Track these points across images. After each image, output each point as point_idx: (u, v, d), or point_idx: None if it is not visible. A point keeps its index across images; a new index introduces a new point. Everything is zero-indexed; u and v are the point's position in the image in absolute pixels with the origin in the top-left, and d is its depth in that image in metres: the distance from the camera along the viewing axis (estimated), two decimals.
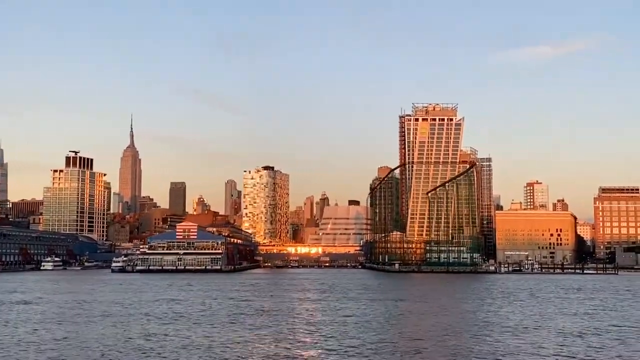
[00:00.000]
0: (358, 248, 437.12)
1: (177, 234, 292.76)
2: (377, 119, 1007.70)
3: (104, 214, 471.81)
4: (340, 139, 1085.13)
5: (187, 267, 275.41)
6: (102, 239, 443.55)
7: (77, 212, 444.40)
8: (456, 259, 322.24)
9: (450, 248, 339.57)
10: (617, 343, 64.26)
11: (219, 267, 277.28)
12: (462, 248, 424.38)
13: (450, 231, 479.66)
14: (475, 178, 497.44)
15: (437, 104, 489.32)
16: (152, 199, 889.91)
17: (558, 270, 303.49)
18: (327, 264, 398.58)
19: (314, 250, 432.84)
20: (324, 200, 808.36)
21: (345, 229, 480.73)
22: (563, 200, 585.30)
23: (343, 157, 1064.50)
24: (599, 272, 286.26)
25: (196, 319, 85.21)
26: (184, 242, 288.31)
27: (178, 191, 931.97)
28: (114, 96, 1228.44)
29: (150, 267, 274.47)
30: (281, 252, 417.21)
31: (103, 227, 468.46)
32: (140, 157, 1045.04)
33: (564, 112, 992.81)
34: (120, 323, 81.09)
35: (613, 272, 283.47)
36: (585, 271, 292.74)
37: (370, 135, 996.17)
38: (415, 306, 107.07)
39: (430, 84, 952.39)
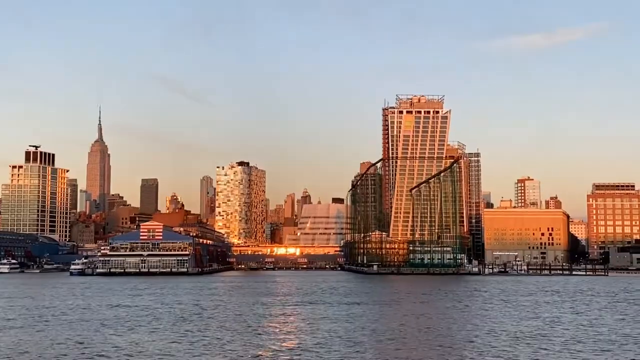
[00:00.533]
0: (338, 249, 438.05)
1: (141, 234, 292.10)
2: (361, 111, 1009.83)
3: (66, 213, 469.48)
4: (322, 133, 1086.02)
5: (151, 270, 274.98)
6: (65, 240, 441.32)
7: (38, 211, 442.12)
8: (440, 260, 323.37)
9: (433, 248, 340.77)
10: (531, 351, 64.41)
11: (185, 270, 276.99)
12: (447, 248, 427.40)
13: (436, 230, 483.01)
14: (464, 174, 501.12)
15: (423, 96, 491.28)
16: (121, 197, 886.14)
17: (546, 272, 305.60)
18: (305, 266, 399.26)
19: (291, 251, 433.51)
20: (306, 198, 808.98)
21: (325, 228, 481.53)
22: (556, 198, 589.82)
23: (326, 152, 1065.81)
24: (588, 273, 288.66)
25: (128, 325, 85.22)
26: (148, 242, 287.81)
27: (150, 188, 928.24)
28: (81, 87, 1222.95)
29: (112, 270, 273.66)
30: (256, 253, 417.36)
31: (66, 227, 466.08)
32: (109, 152, 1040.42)
33: (557, 105, 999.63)
34: (48, 329, 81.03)
35: (603, 273, 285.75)
36: (574, 272, 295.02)
37: (353, 129, 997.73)
38: (370, 310, 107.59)
39: (416, 75, 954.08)
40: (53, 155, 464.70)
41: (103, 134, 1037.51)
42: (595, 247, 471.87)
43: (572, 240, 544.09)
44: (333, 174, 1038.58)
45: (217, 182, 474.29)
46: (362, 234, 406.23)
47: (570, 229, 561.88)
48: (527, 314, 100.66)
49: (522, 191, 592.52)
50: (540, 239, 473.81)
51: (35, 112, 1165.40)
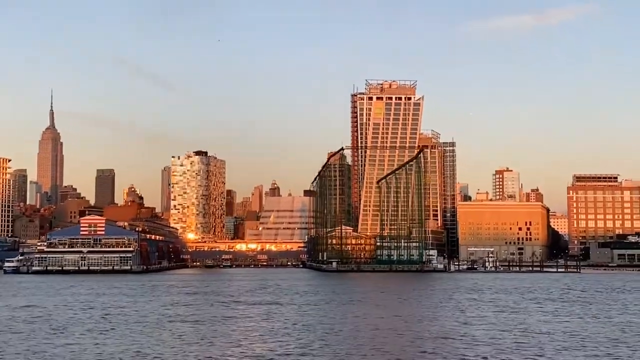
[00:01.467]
0: (302, 245, 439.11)
1: (81, 229, 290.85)
2: (329, 97, 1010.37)
3: (9, 206, 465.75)
4: (291, 121, 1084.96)
5: (91, 268, 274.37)
6: (6, 235, 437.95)
7: None
8: (404, 257, 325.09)
9: (401, 244, 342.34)
10: (398, 349, 66.00)
11: (128, 268, 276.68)
12: (418, 244, 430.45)
13: (408, 225, 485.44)
14: (439, 164, 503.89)
15: (394, 82, 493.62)
16: (75, 189, 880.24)
17: (516, 269, 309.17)
18: (265, 263, 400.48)
19: (252, 247, 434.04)
20: (275, 190, 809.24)
21: (289, 222, 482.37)
22: (537, 190, 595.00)
23: (296, 142, 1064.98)
24: (559, 270, 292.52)
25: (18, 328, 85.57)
26: (89, 238, 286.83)
27: (105, 180, 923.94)
28: (30, 69, 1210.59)
29: (49, 268, 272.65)
30: (213, 249, 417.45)
31: (7, 221, 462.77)
32: (62, 140, 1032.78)
33: (540, 92, 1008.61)
34: None
35: (575, 270, 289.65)
36: (545, 270, 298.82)
37: (323, 117, 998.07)
38: (287, 311, 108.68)
39: (387, 58, 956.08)
40: None
41: (55, 120, 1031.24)
42: (576, 242, 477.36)
43: (554, 235, 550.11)
44: (303, 165, 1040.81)
45: (172, 173, 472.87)
46: (327, 229, 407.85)
47: (552, 224, 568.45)
48: (434, 313, 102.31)
49: (501, 183, 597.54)
50: (518, 233, 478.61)
51: None
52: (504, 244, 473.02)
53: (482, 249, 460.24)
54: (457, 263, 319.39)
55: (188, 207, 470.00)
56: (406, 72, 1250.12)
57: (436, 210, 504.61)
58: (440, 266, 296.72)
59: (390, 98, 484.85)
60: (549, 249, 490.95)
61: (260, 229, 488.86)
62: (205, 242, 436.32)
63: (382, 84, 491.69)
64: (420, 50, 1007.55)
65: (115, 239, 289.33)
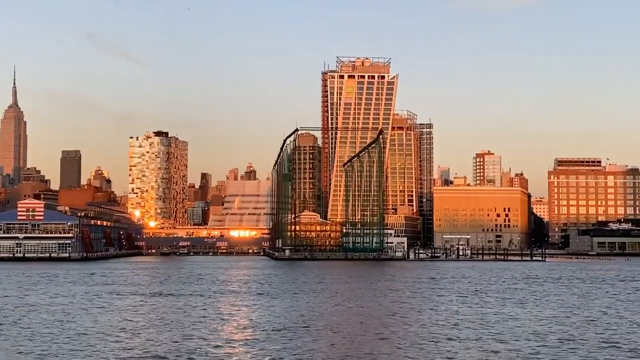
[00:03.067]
0: (267, 232, 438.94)
1: (18, 214, 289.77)
2: (299, 75, 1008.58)
3: None
4: (262, 100, 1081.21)
5: (27, 255, 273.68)
6: None
7: None
8: (369, 245, 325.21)
9: (364, 231, 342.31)
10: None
11: (67, 255, 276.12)
12: (390, 231, 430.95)
13: (380, 211, 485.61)
14: (414, 147, 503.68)
15: (367, 59, 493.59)
16: (39, 171, 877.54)
17: (482, 257, 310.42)
18: (225, 251, 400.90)
19: (214, 234, 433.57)
20: (250, 174, 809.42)
21: (255, 208, 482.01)
22: (522, 175, 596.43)
23: (269, 122, 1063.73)
24: (524, 259, 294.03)
25: None
26: (27, 223, 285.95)
27: (71, 161, 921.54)
28: None
29: None
30: (170, 236, 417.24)
31: None
32: (25, 118, 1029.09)
33: (523, 71, 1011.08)
34: None
35: (540, 259, 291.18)
36: (509, 258, 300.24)
37: (295, 96, 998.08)
38: (168, 302, 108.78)
39: (361, 35, 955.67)
40: None
41: (18, 98, 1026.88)
42: (557, 229, 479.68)
43: (536, 222, 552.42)
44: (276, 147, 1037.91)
45: (129, 155, 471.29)
46: (295, 215, 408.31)
47: (535, 210, 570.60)
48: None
49: (481, 167, 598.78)
50: (496, 220, 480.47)
51: None
52: (481, 232, 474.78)
53: (458, 236, 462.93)
54: (421, 251, 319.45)
55: (147, 191, 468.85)
56: (381, 51, 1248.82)
57: (411, 196, 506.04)
58: (399, 254, 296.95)
59: (363, 76, 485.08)
60: (529, 236, 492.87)
61: (224, 214, 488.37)
62: (162, 228, 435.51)
63: (354, 62, 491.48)
64: (397, 28, 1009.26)
65: (55, 224, 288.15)
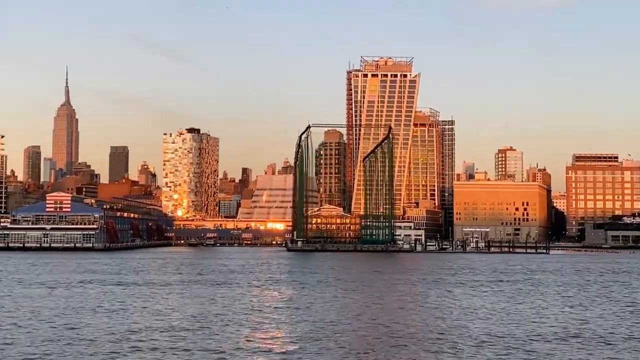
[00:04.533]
0: (291, 224, 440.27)
1: (47, 205, 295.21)
2: (326, 74, 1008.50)
3: (1, 183, 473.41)
4: (294, 97, 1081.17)
5: (53, 245, 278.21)
6: None
7: None
8: (383, 237, 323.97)
9: (379, 224, 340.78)
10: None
11: (90, 245, 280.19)
12: (409, 224, 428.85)
13: (402, 205, 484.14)
14: (436, 143, 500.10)
15: (390, 58, 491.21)
16: (89, 166, 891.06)
17: (493, 249, 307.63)
18: (249, 242, 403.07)
19: (241, 226, 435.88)
20: (287, 169, 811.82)
21: (282, 201, 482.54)
22: (545, 170, 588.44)
23: (300, 119, 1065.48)
24: (528, 251, 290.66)
25: None
26: (55, 215, 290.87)
27: (119, 157, 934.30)
28: (45, 45, 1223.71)
29: (10, 245, 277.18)
30: (199, 228, 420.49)
31: (0, 197, 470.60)
32: (77, 116, 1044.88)
33: (545, 67, 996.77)
34: None
35: (544, 252, 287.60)
36: (516, 251, 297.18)
37: (321, 94, 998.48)
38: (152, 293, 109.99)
39: (384, 33, 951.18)
40: None
41: (70, 96, 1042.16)
42: (574, 223, 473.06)
43: (557, 215, 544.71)
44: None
45: (163, 150, 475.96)
46: (317, 209, 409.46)
47: (556, 204, 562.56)
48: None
49: (503, 162, 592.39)
50: (514, 214, 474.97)
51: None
52: (500, 225, 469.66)
53: (478, 229, 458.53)
54: (430, 244, 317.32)
55: (180, 185, 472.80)
56: (404, 49, 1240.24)
57: (433, 190, 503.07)
58: (407, 246, 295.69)
59: (386, 75, 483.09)
60: (548, 230, 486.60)
61: (252, 207, 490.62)
62: (193, 220, 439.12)
63: (377, 61, 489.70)
64: (419, 27, 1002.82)
65: (81, 216, 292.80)
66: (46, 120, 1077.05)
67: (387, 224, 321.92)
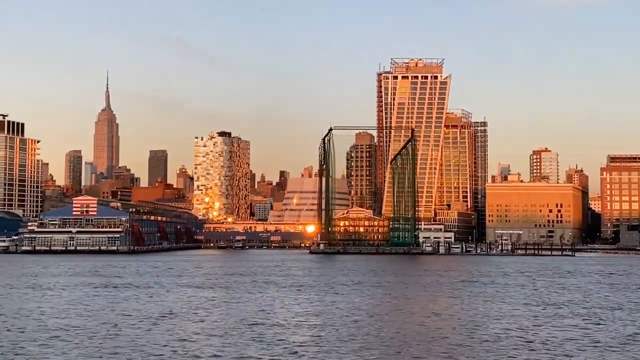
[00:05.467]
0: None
1: (73, 209, 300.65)
2: (356, 75, 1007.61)
3: (37, 187, 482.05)
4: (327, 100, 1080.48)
5: (78, 248, 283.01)
6: (33, 216, 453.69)
7: (5, 184, 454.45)
8: (407, 239, 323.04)
9: (405, 226, 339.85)
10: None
11: (115, 248, 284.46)
12: (438, 226, 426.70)
13: (433, 207, 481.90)
14: (468, 144, 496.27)
15: (420, 60, 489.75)
16: (129, 170, 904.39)
17: (520, 252, 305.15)
18: (277, 245, 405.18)
19: (271, 228, 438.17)
20: (323, 171, 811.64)
21: (313, 204, 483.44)
22: (581, 171, 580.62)
23: (332, 121, 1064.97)
24: (553, 254, 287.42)
25: None
26: (81, 219, 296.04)
27: (158, 160, 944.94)
28: (86, 49, 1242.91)
29: (37, 248, 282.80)
30: (229, 230, 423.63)
31: (36, 201, 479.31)
32: (117, 120, 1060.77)
33: (580, 66, 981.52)
34: None
35: (570, 254, 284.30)
36: (542, 253, 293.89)
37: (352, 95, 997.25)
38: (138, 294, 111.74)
39: (414, 35, 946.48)
40: (22, 124, 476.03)
41: (110, 101, 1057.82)
42: (609, 225, 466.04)
43: (593, 217, 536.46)
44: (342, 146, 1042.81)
45: (195, 154, 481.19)
46: (345, 211, 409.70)
47: (593, 206, 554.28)
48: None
49: (538, 164, 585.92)
50: (548, 216, 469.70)
51: (39, 78, 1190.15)
52: (533, 227, 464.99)
53: (510, 231, 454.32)
54: (455, 246, 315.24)
55: (211, 188, 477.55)
56: (435, 50, 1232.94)
57: (466, 192, 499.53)
58: (429, 248, 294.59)
59: (416, 77, 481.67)
60: (583, 232, 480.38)
61: (283, 210, 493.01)
62: (222, 223, 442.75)
63: (407, 63, 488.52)
64: (451, 27, 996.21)
65: (107, 219, 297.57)
66: (87, 125, 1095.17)
67: (438, 226, 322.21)
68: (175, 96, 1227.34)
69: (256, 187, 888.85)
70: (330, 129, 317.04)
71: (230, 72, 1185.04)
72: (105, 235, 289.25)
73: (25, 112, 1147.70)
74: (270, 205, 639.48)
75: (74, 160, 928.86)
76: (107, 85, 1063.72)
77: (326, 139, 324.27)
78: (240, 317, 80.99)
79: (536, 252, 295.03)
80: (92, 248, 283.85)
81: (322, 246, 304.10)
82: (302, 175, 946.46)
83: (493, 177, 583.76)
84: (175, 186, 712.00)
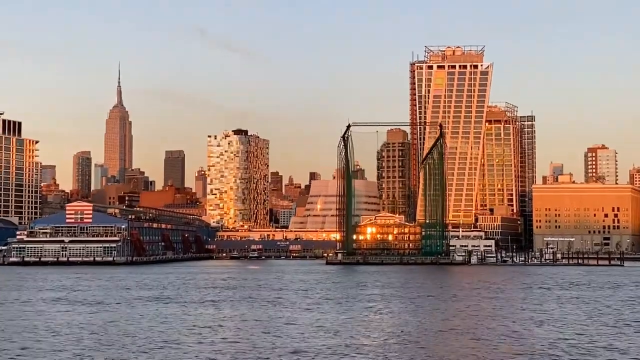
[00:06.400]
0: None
1: (67, 216, 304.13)
2: (388, 66, 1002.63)
3: (36, 191, 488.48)
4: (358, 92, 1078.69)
5: (71, 259, 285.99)
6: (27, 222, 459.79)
7: (0, 188, 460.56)
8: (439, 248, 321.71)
9: (436, 234, 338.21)
10: None
11: (111, 259, 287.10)
12: (478, 233, 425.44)
13: (473, 211, 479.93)
14: (514, 141, 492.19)
15: (458, 47, 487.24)
16: (142, 172, 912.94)
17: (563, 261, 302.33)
18: (297, 255, 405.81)
19: (291, 236, 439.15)
20: (358, 172, 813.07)
21: (338, 209, 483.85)
22: None
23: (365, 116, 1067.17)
24: (600, 264, 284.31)
25: None
26: (75, 227, 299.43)
27: (174, 162, 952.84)
28: (94, 40, 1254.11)
29: (26, 259, 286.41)
30: (244, 239, 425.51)
31: (35, 207, 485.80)
32: (130, 118, 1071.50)
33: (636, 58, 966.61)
34: None
35: (619, 263, 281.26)
36: (585, 263, 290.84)
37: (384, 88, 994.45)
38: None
39: (450, 21, 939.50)
40: (19, 123, 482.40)
41: (123, 97, 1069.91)
42: None
43: None
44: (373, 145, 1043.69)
45: (207, 154, 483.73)
46: (373, 217, 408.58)
47: None
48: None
49: (594, 163, 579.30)
50: (603, 221, 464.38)
51: (45, 73, 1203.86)
52: (586, 234, 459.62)
53: (560, 238, 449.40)
54: (490, 255, 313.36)
55: (226, 192, 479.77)
56: (474, 37, 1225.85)
57: (511, 195, 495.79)
58: (460, 258, 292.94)
59: (453, 66, 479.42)
60: None
61: (306, 215, 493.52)
62: (238, 231, 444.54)
63: (444, 51, 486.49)
64: (493, 13, 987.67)
65: (104, 227, 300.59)
66: (97, 123, 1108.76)
67: (478, 233, 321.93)
68: (193, 91, 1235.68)
69: (283, 190, 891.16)
70: (349, 126, 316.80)
71: (255, 65, 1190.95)
72: (101, 245, 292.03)
73: (27, 110, 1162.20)
74: (295, 211, 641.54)
75: (83, 162, 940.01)
76: (119, 79, 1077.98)
77: (345, 136, 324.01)
78: None
79: (580, 261, 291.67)
80: (86, 259, 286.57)
81: (339, 256, 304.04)
82: (334, 177, 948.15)
83: (544, 177, 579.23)
84: (193, 190, 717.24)
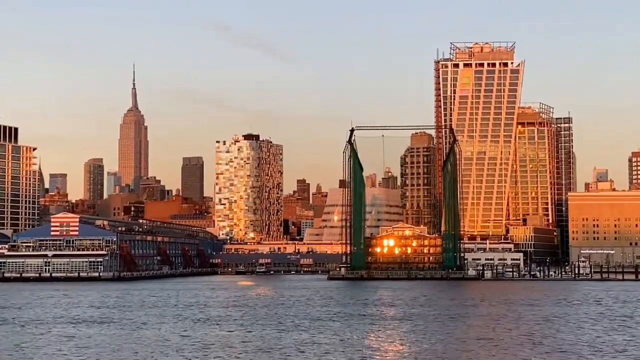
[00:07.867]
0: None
1: (52, 229, 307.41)
2: (413, 64, 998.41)
3: (33, 202, 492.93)
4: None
5: (54, 275, 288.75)
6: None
7: None
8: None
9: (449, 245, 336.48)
10: None
11: (97, 274, 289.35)
12: (508, 245, 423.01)
13: (503, 222, 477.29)
14: (549, 145, 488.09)
15: (486, 44, 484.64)
16: (158, 181, 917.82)
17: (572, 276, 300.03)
18: (308, 269, 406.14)
19: (303, 249, 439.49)
20: (389, 180, 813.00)
21: (344, 219, 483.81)
22: None
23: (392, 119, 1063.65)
24: (625, 277, 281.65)
25: None
26: (60, 240, 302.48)
27: (192, 169, 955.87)
28: (108, 40, 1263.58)
29: (6, 275, 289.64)
30: (252, 252, 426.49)
31: (33, 219, 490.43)
32: (146, 123, 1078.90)
33: None
34: None
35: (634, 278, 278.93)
36: (615, 278, 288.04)
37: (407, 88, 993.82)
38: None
39: (477, 15, 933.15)
40: (15, 129, 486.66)
41: (138, 100, 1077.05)
42: None
43: None
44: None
45: (216, 161, 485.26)
46: (390, 228, 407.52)
47: None
48: None
49: (639, 168, 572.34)
50: None
51: (54, 74, 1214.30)
52: (627, 246, 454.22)
53: (599, 251, 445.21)
54: (507, 270, 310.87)
55: (235, 201, 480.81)
56: (503, 32, 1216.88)
57: (546, 203, 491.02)
58: (473, 272, 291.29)
59: (481, 64, 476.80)
60: None
61: (321, 227, 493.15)
62: (245, 243, 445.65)
63: (471, 48, 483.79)
64: (521, 3, 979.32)
65: (90, 240, 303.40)
66: (111, 128, 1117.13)
67: (509, 245, 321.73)
68: (213, 93, 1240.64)
69: (310, 200, 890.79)
70: (352, 130, 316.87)
71: (281, 65, 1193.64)
72: (86, 260, 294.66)
73: (36, 115, 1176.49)
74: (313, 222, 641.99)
75: (95, 170, 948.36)
76: (134, 81, 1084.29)
77: (351, 140, 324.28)
78: None
79: (604, 275, 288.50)
80: (71, 274, 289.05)
81: (342, 270, 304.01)
82: (365, 186, 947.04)
83: (587, 184, 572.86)
84: (214, 200, 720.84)
